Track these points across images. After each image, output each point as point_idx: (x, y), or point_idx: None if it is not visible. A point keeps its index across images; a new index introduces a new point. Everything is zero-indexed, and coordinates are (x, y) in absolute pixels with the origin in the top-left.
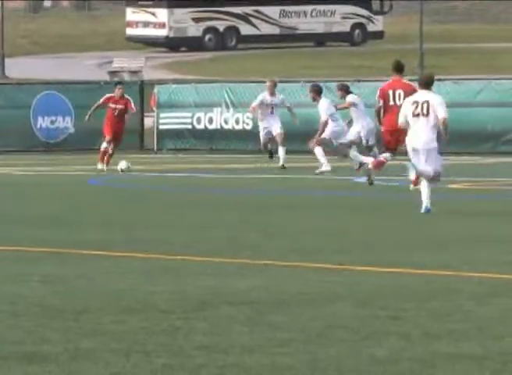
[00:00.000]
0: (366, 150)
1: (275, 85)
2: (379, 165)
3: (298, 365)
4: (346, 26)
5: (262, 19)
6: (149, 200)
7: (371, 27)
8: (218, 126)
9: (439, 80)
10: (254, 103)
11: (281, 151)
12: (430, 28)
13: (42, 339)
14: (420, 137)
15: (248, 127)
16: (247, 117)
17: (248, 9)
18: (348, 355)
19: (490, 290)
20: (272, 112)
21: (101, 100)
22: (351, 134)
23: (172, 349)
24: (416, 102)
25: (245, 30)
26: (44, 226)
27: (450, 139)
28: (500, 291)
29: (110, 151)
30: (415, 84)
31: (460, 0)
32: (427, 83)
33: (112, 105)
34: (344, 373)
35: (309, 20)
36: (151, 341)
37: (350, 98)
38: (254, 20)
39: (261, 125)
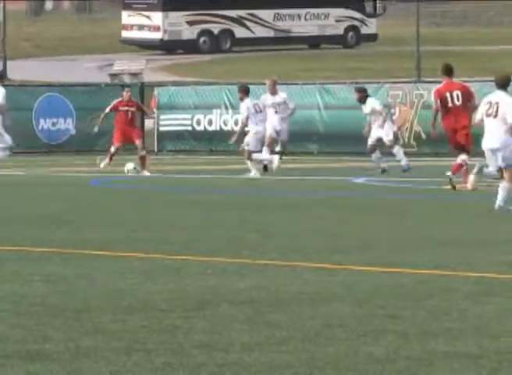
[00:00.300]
0: (388, 149)
1: (274, 84)
2: (457, 170)
3: (297, 363)
4: (339, 29)
5: (256, 22)
6: (149, 200)
7: (364, 30)
8: (218, 128)
9: (436, 81)
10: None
11: (276, 157)
12: (426, 31)
13: (44, 338)
14: (493, 137)
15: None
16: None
17: (242, 13)
18: (346, 354)
19: (487, 289)
20: (276, 112)
21: (112, 105)
22: (372, 139)
23: (172, 348)
24: (489, 103)
25: (239, 32)
26: (45, 226)
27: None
28: (497, 291)
29: (142, 153)
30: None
31: (455, 1)
32: (503, 85)
33: (124, 108)
34: (342, 372)
35: (303, 23)
36: (151, 340)
37: (378, 105)
38: (248, 23)
39: (269, 124)
